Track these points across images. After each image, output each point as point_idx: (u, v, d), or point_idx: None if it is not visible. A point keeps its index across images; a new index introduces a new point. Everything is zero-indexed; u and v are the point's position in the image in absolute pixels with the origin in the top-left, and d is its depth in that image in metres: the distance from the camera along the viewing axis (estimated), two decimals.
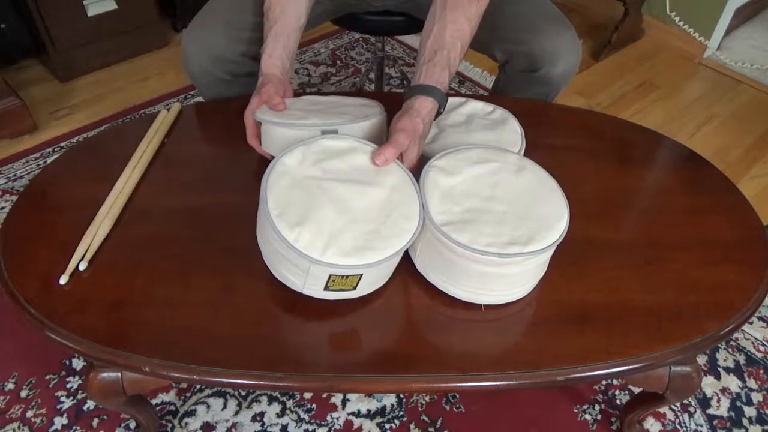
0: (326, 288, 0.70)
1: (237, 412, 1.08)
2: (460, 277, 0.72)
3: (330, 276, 0.68)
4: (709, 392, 1.15)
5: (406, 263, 0.78)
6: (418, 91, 0.81)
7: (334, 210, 0.69)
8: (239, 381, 0.67)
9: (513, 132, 0.89)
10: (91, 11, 1.76)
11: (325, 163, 0.74)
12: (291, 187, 0.71)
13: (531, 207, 0.74)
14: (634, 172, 0.95)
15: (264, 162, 0.89)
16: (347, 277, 0.68)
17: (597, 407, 1.11)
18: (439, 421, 1.08)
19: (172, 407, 1.08)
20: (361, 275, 0.68)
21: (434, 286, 0.75)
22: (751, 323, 1.28)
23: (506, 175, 0.78)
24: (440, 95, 0.81)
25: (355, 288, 0.71)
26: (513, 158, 0.80)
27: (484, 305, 0.74)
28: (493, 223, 0.71)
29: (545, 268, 0.76)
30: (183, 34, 1.02)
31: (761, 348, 1.23)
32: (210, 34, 0.99)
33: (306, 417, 1.08)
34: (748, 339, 1.25)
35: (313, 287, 0.70)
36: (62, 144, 1.63)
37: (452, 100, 0.94)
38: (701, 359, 1.20)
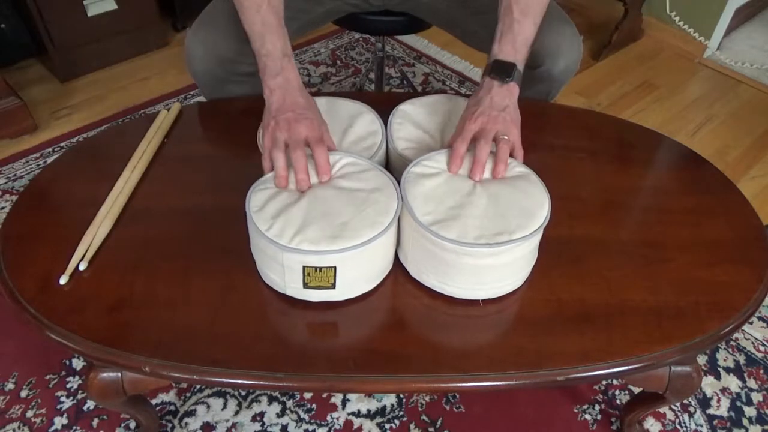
0: (305, 285, 0.71)
1: (237, 412, 1.08)
2: (454, 275, 0.73)
3: (304, 269, 0.69)
4: (709, 392, 1.15)
5: (403, 269, 0.78)
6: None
7: (309, 207, 0.73)
8: (239, 381, 0.67)
9: None
10: (91, 11, 1.76)
11: (311, 174, 0.77)
12: (275, 192, 0.75)
13: (511, 199, 0.75)
14: (634, 172, 0.95)
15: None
16: (321, 270, 0.69)
17: (597, 407, 1.11)
18: (439, 421, 1.08)
19: (172, 407, 1.08)
20: (335, 269, 0.69)
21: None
22: (751, 323, 1.28)
23: (484, 170, 0.79)
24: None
25: (333, 285, 0.71)
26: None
27: (482, 300, 0.75)
28: (478, 217, 0.73)
29: (535, 257, 0.77)
30: (187, 34, 1.02)
31: (761, 348, 1.23)
32: (214, 33, 0.99)
33: (306, 417, 1.08)
34: (748, 339, 1.25)
35: (293, 284, 0.71)
36: (62, 144, 1.63)
37: (434, 98, 0.95)
38: (701, 359, 1.20)
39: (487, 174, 0.79)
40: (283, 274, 0.71)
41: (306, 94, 0.84)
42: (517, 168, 0.80)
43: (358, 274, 0.72)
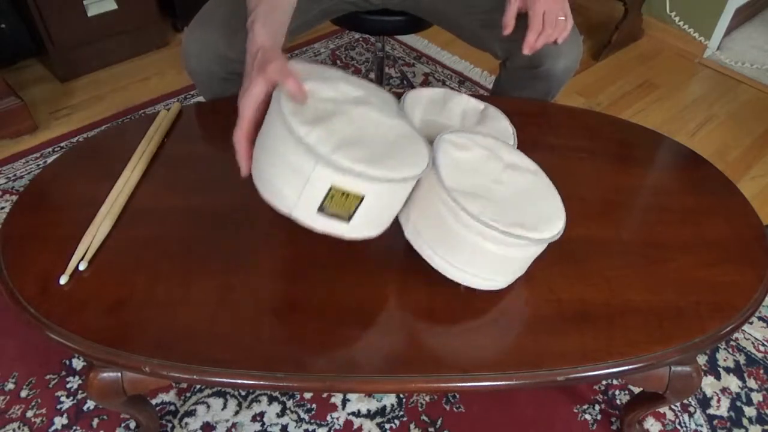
0: (320, 209, 0.64)
1: (237, 412, 1.08)
2: (452, 249, 0.71)
3: (330, 189, 0.62)
4: (709, 392, 1.15)
5: (405, 260, 0.78)
6: None
7: (349, 124, 0.65)
8: (239, 381, 0.67)
9: (504, 131, 0.89)
10: (91, 11, 1.76)
11: (344, 95, 0.70)
12: (309, 99, 0.67)
13: (534, 200, 0.74)
14: (634, 172, 0.95)
15: None
16: (347, 195, 0.62)
17: (597, 407, 1.11)
18: (439, 421, 1.08)
19: (172, 407, 1.08)
20: (362, 199, 0.63)
21: (433, 287, 0.75)
22: (751, 323, 1.28)
23: (512, 167, 0.78)
24: None
25: (349, 219, 0.65)
26: (519, 156, 0.80)
27: (464, 287, 0.74)
28: (500, 202, 0.71)
29: (529, 264, 0.76)
30: (184, 33, 1.02)
31: (761, 348, 1.23)
32: (211, 32, 0.99)
33: (306, 417, 1.08)
34: (748, 339, 1.25)
35: (307, 205, 0.64)
36: (62, 144, 1.63)
37: (437, 92, 0.93)
38: (701, 359, 1.20)
39: (515, 171, 0.77)
40: (302, 190, 0.62)
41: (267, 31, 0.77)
42: (541, 177, 0.79)
43: (376, 213, 0.68)
